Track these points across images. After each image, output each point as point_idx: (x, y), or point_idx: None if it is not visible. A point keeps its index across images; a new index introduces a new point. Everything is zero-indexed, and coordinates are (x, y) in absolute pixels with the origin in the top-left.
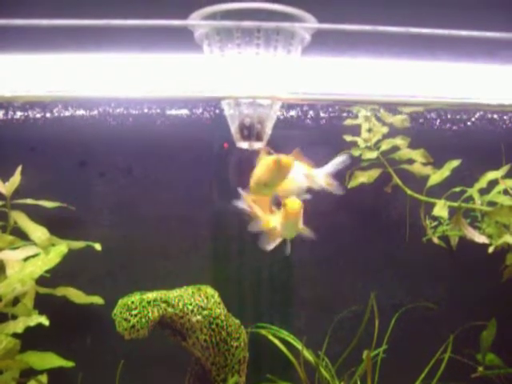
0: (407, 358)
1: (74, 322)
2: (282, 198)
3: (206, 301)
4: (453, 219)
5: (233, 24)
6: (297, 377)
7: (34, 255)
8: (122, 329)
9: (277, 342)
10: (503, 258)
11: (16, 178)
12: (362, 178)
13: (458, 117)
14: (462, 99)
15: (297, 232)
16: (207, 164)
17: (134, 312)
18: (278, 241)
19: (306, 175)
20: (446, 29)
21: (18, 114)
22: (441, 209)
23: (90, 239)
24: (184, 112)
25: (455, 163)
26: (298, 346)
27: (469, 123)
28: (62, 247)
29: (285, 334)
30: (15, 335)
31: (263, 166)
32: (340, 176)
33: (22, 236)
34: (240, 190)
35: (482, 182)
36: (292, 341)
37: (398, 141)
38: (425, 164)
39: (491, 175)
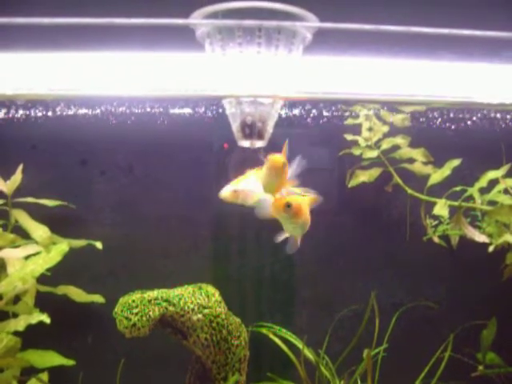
0: (407, 356)
1: (74, 320)
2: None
3: (206, 299)
4: (453, 218)
5: (234, 23)
6: (297, 375)
7: (35, 253)
8: (122, 327)
9: (277, 340)
10: (503, 257)
11: (17, 177)
12: (363, 177)
13: (458, 116)
14: (463, 98)
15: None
16: (208, 163)
17: (134, 310)
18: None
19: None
20: (448, 28)
21: (20, 112)
22: (441, 208)
23: (90, 238)
24: (185, 111)
25: (456, 162)
26: (299, 344)
27: (469, 122)
28: (63, 246)
29: (285, 333)
30: (16, 333)
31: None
32: (341, 175)
33: (23, 234)
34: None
35: (483, 182)
36: (292, 339)
37: (399, 140)
38: (425, 163)
39: (491, 174)
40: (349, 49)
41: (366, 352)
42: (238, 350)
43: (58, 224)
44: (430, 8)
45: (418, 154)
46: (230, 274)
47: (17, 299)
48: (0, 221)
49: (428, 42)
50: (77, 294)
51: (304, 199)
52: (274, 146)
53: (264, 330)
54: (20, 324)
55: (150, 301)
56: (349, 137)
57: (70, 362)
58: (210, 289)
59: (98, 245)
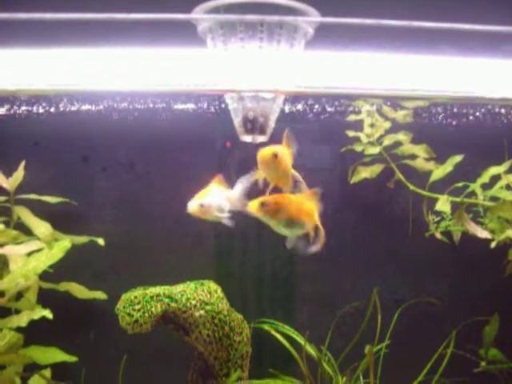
0: (410, 353)
1: (77, 317)
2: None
3: (209, 296)
4: (455, 214)
5: (236, 18)
6: (299, 372)
7: (38, 250)
8: (125, 324)
9: (279, 337)
10: (505, 253)
11: (19, 173)
12: (365, 173)
13: (460, 112)
14: (464, 93)
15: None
16: (210, 159)
17: (137, 307)
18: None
19: (227, 197)
20: (448, 22)
21: (22, 108)
22: (443, 204)
23: (93, 234)
24: (187, 106)
25: (458, 158)
26: (301, 341)
27: (471, 118)
28: (65, 242)
29: (287, 329)
30: (19, 330)
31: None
32: (343, 172)
33: (26, 231)
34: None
35: (485, 177)
36: (295, 336)
37: (401, 136)
38: (427, 159)
39: (494, 170)
40: (350, 43)
41: (367, 348)
42: (240, 346)
43: (60, 221)
44: (430, 2)
45: (420, 150)
46: (233, 270)
47: (19, 296)
48: (2, 217)
49: (429, 37)
50: (79, 290)
51: (286, 196)
52: (276, 142)
53: (266, 327)
54: (23, 320)
55: (152, 297)
56: (351, 133)
57: (73, 359)
58: (213, 285)
59: (100, 241)
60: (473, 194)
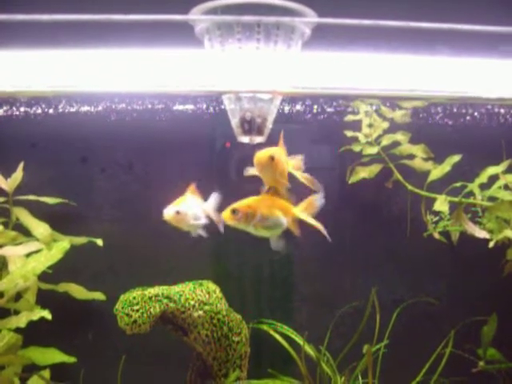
0: (408, 353)
1: (75, 317)
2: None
3: (207, 296)
4: (453, 214)
5: (233, 19)
6: (298, 372)
7: (37, 251)
8: (123, 324)
9: (278, 337)
10: (504, 253)
11: (18, 174)
12: (363, 173)
13: (458, 112)
14: (461, 93)
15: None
16: (208, 159)
17: (135, 307)
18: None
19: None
20: (446, 23)
21: (20, 110)
22: (441, 204)
23: (91, 235)
24: (185, 107)
25: (456, 158)
26: (300, 341)
27: (469, 118)
28: (64, 243)
29: (286, 329)
30: (18, 331)
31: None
32: (341, 172)
33: (24, 232)
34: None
35: (483, 177)
36: (293, 336)
37: (399, 136)
38: (425, 159)
39: (492, 170)
40: (347, 44)
41: (365, 348)
42: (239, 346)
43: (59, 221)
44: (428, 3)
45: (418, 150)
46: (231, 270)
47: (18, 297)
48: (1, 218)
49: (426, 37)
50: (78, 291)
51: (255, 198)
52: (273, 142)
53: (265, 327)
54: (22, 320)
55: (150, 297)
56: (349, 133)
57: (72, 359)
58: (211, 285)
59: (99, 242)
60: (471, 193)
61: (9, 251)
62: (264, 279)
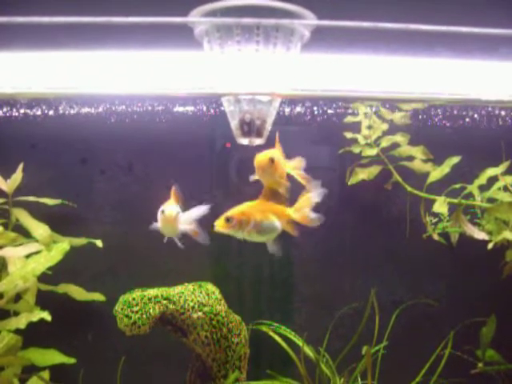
0: (408, 354)
1: (75, 318)
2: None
3: (206, 297)
4: (453, 216)
5: (233, 21)
6: (297, 373)
7: (36, 252)
8: (123, 325)
9: (277, 338)
10: (503, 255)
11: (18, 176)
12: (363, 174)
13: (457, 113)
14: (461, 95)
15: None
16: (208, 161)
17: (135, 309)
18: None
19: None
20: (445, 25)
21: (20, 111)
22: (441, 205)
23: (91, 236)
24: (184, 109)
25: (455, 160)
26: (299, 342)
27: (468, 120)
28: (63, 244)
29: (285, 331)
30: (17, 332)
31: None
32: (341, 173)
33: (24, 233)
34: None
35: (482, 179)
36: (293, 337)
37: (398, 138)
38: (425, 161)
39: (491, 172)
40: (347, 46)
41: (365, 349)
42: (239, 347)
43: (59, 222)
44: (427, 5)
45: (417, 152)
46: (231, 271)
47: (18, 298)
48: (1, 219)
49: (426, 39)
50: (77, 292)
51: (247, 204)
52: (272, 144)
53: (264, 328)
54: (21, 322)
55: (150, 299)
56: (348, 135)
57: (71, 360)
58: (210, 287)
59: (99, 243)
60: (470, 195)
61: (8, 252)
62: (263, 280)
